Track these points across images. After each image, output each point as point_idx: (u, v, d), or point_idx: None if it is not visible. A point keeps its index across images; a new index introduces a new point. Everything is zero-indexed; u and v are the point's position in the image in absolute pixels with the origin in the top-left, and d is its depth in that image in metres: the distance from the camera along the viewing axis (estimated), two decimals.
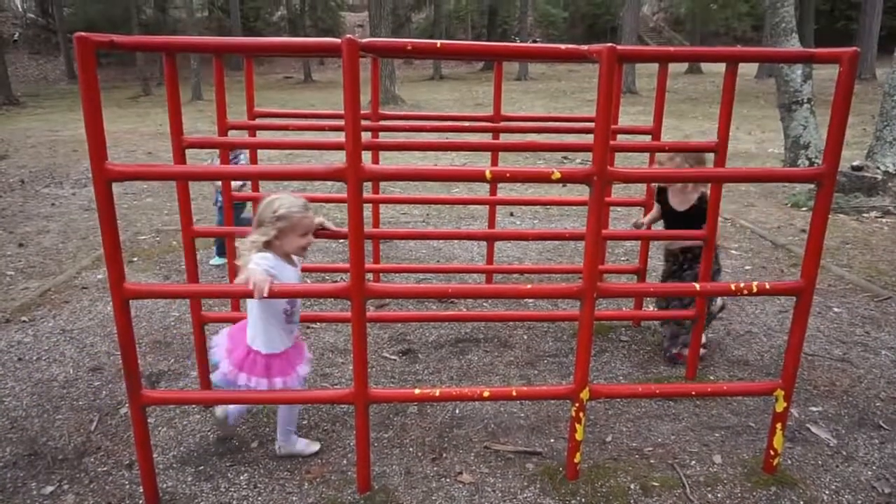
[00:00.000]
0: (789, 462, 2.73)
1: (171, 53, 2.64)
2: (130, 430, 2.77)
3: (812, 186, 7.42)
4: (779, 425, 2.56)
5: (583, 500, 2.50)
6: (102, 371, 3.54)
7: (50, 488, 2.57)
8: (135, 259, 5.44)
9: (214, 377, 2.64)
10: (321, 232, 2.65)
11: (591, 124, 3.90)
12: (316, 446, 2.79)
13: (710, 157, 3.24)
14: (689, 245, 3.48)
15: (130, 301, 2.24)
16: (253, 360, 2.54)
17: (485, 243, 4.98)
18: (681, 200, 3.46)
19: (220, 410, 2.77)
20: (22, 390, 3.33)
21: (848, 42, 23.45)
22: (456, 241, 5.86)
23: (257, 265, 2.32)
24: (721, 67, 2.96)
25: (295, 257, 2.59)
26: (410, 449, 2.84)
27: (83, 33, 1.97)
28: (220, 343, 2.64)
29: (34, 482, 2.61)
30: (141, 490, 2.49)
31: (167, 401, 2.97)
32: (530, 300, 4.47)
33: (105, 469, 2.69)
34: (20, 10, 36.39)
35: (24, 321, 4.19)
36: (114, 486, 2.58)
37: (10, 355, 3.72)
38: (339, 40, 2.05)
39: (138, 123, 15.59)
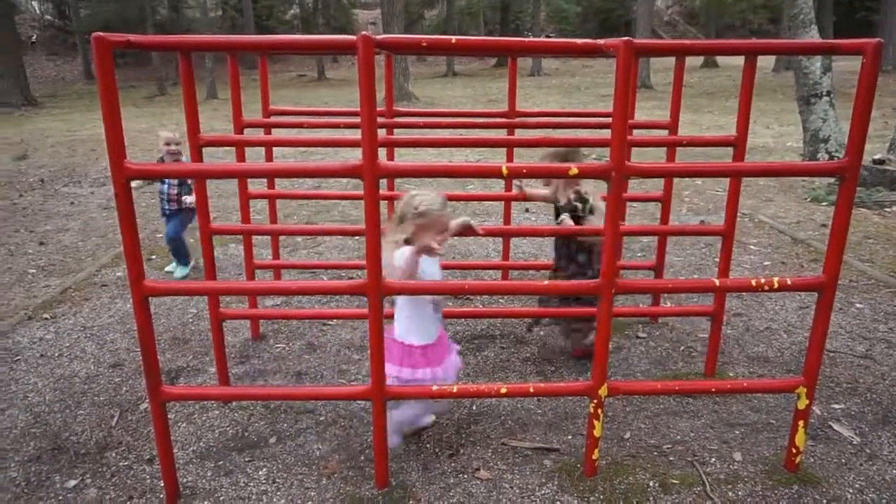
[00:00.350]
0: (811, 460, 2.70)
1: (186, 52, 2.66)
2: (151, 425, 2.79)
3: (832, 181, 7.31)
4: (801, 423, 2.52)
5: (601, 496, 2.49)
6: (123, 367, 3.58)
7: (73, 482, 2.61)
8: (153, 257, 5.50)
9: (390, 382, 2.53)
10: (468, 231, 2.74)
11: (607, 119, 3.89)
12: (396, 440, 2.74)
13: (586, 153, 3.27)
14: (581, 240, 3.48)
15: (150, 298, 2.27)
16: (410, 353, 2.58)
17: (500, 240, 4.97)
18: (561, 196, 3.50)
19: (392, 441, 2.66)
20: (44, 386, 3.39)
21: (867, 33, 23.05)
22: (471, 238, 5.85)
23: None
24: (737, 61, 2.93)
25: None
26: (428, 445, 2.84)
27: (101, 33, 1.97)
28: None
29: (58, 476, 2.65)
30: (161, 484, 2.52)
31: (186, 396, 2.99)
32: None
33: (126, 464, 2.73)
34: (37, 12, 36.89)
35: (45, 318, 4.25)
36: (135, 481, 2.61)
37: (32, 352, 3.78)
38: (354, 37, 2.05)
39: (155, 123, 15.73)
